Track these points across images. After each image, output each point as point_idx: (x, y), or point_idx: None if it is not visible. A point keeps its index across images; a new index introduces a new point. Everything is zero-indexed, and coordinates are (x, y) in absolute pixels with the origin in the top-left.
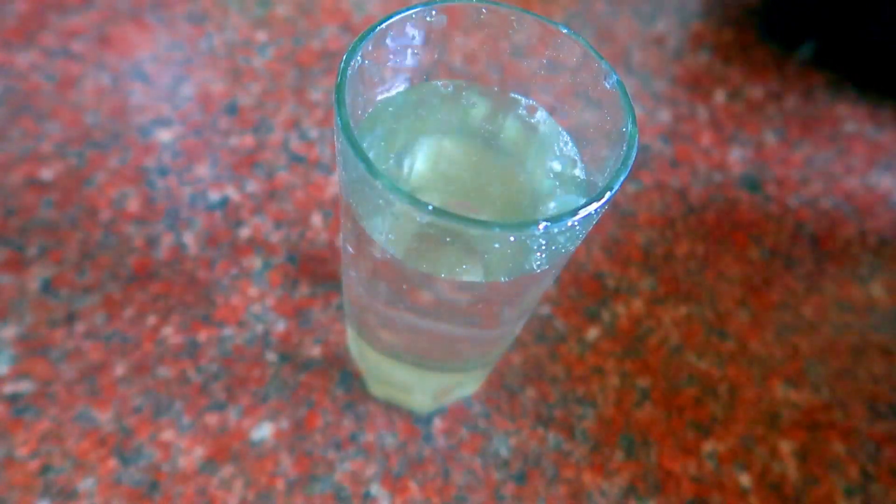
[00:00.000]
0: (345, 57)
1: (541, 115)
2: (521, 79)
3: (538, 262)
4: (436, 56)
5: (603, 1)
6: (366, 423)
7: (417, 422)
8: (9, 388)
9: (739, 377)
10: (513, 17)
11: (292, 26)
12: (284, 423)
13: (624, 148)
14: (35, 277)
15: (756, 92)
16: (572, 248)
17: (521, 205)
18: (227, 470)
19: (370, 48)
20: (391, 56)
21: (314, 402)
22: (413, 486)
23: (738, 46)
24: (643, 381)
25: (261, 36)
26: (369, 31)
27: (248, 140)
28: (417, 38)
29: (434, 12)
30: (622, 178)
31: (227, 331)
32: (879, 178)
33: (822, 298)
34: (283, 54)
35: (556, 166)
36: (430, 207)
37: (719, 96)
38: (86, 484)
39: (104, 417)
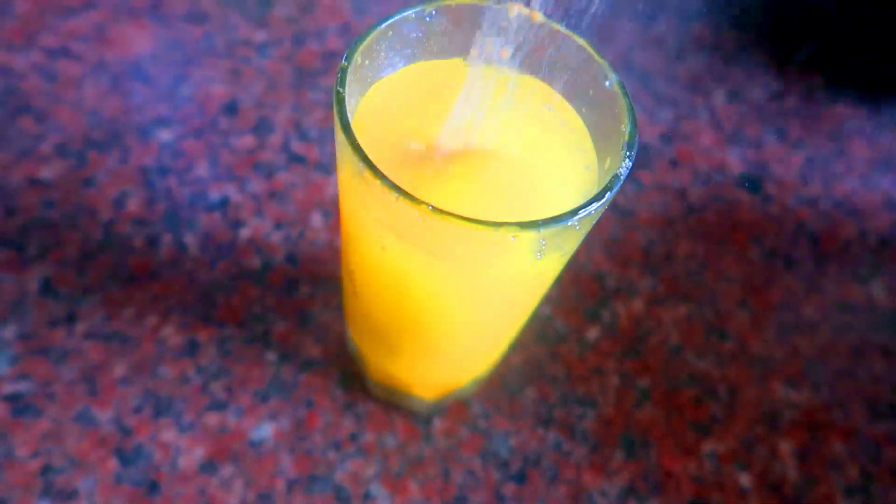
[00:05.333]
0: (344, 57)
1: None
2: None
3: (538, 260)
4: (435, 55)
5: (603, 1)
6: (366, 423)
7: (417, 422)
8: (9, 388)
9: (739, 377)
10: (513, 17)
11: (292, 26)
12: (284, 423)
13: (624, 148)
14: (35, 277)
15: (756, 92)
16: (573, 248)
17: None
18: (227, 470)
19: (370, 48)
20: (391, 56)
21: (314, 402)
22: (413, 486)
23: (738, 46)
24: (643, 381)
25: (261, 36)
26: (369, 31)
27: (248, 140)
28: (417, 37)
29: (434, 12)
30: (622, 178)
31: (227, 331)
32: (879, 178)
33: (822, 298)
34: (283, 54)
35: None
36: (431, 207)
37: (719, 96)
38: (86, 484)
39: (104, 417)
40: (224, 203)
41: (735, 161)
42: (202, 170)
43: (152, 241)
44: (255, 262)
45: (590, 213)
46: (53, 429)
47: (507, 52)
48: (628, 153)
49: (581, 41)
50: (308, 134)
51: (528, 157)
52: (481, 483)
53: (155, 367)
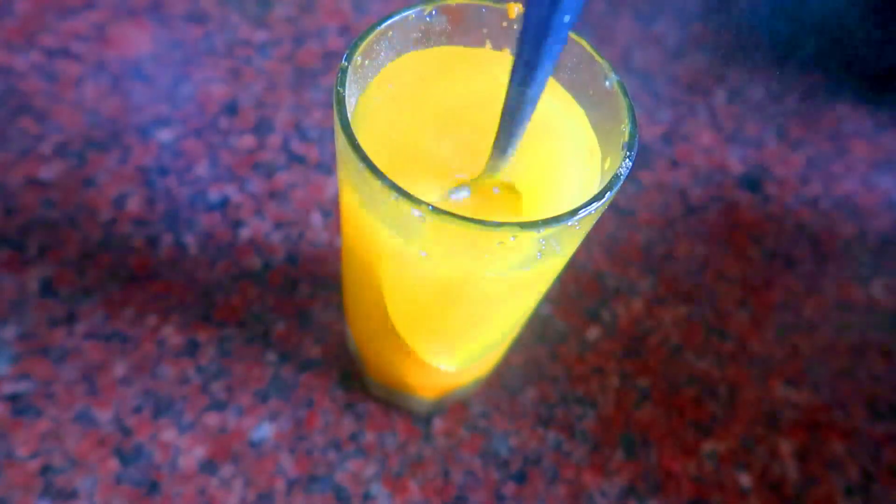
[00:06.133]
0: (344, 57)
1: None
2: None
3: (539, 261)
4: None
5: (603, 1)
6: (366, 423)
7: (417, 422)
8: (9, 388)
9: (739, 377)
10: (513, 17)
11: (292, 26)
12: (284, 423)
13: (624, 148)
14: (35, 277)
15: (756, 92)
16: (573, 248)
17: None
18: (227, 470)
19: (370, 48)
20: (391, 56)
21: (314, 402)
22: (413, 486)
23: (738, 46)
24: (643, 381)
25: (261, 36)
26: (369, 31)
27: (248, 140)
28: (417, 37)
29: (434, 12)
30: (622, 178)
31: (227, 331)
32: (879, 178)
33: (822, 298)
34: (283, 54)
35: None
36: (431, 207)
37: (719, 96)
38: (86, 484)
39: (104, 417)
40: (224, 203)
41: (735, 161)
42: (202, 170)
43: (152, 241)
44: (255, 262)
45: (590, 212)
46: (53, 429)
47: (506, 52)
48: (628, 153)
49: (581, 41)
50: (308, 134)
51: (530, 157)
52: (481, 483)
53: (155, 367)
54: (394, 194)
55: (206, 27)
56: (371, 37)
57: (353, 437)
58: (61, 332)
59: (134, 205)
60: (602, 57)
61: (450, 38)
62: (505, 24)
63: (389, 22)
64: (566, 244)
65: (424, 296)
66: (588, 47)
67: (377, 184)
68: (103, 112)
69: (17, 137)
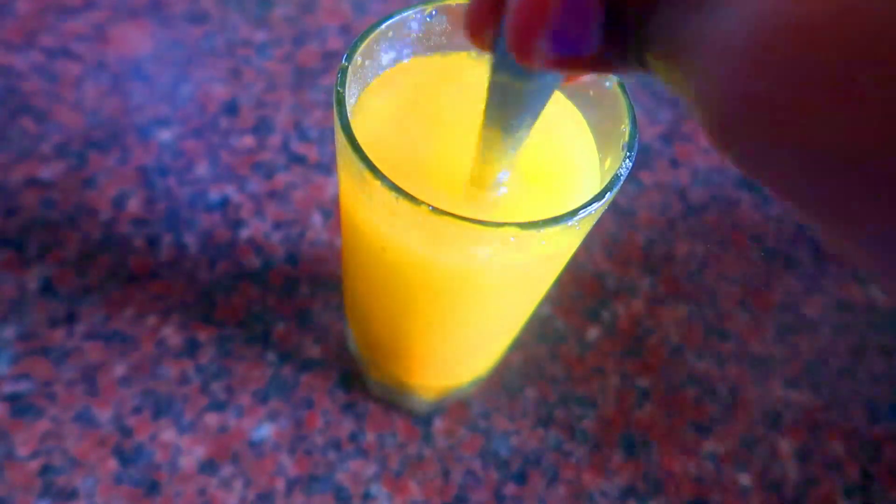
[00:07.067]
0: (344, 57)
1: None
2: None
3: (538, 260)
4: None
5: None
6: (366, 423)
7: (417, 422)
8: (9, 388)
9: (739, 377)
10: None
11: (292, 26)
12: (284, 423)
13: (624, 148)
14: (35, 277)
15: None
16: (573, 248)
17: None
18: (227, 470)
19: (370, 48)
20: (391, 56)
21: (314, 402)
22: (413, 486)
23: None
24: (643, 381)
25: (261, 36)
26: (369, 31)
27: (248, 140)
28: (417, 37)
29: (434, 12)
30: (622, 178)
31: (227, 331)
32: None
33: (822, 298)
34: (283, 54)
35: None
36: (431, 208)
37: None
38: (86, 484)
39: (104, 417)
40: (224, 203)
41: None
42: (202, 170)
43: (152, 241)
44: (255, 262)
45: (590, 213)
46: (53, 429)
47: None
48: (628, 153)
49: None
50: (308, 134)
51: (530, 157)
52: (481, 483)
53: (155, 367)
54: (394, 194)
55: (206, 27)
56: (371, 37)
57: (353, 437)
58: (61, 332)
59: (134, 205)
60: None
61: (450, 39)
62: None
63: (389, 22)
64: (566, 244)
65: (424, 295)
66: None
67: (377, 184)
68: (103, 112)
69: (17, 137)
